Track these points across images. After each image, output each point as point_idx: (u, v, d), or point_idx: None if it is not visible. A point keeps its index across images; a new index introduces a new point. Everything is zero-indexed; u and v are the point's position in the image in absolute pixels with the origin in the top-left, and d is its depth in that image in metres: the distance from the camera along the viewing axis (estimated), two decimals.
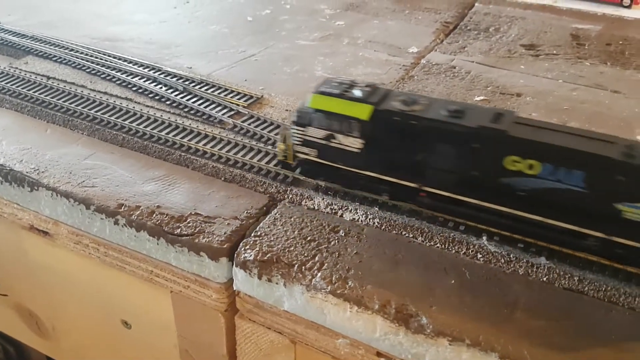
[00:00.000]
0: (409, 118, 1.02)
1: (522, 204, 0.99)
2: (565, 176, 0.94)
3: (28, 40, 1.82)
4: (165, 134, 1.34)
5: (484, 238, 1.05)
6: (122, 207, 1.16)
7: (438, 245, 1.06)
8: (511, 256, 1.02)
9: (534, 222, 0.99)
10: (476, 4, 2.27)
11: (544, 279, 0.99)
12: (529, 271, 1.00)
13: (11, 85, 1.55)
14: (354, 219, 1.14)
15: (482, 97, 1.57)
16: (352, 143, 1.08)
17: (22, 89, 1.54)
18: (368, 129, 1.06)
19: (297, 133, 1.13)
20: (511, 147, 0.96)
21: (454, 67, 1.75)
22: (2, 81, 1.58)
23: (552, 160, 0.94)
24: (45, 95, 1.50)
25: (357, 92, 1.08)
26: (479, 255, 1.03)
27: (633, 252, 0.95)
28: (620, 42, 1.95)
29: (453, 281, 0.99)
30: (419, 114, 1.02)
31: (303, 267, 1.03)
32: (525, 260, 1.01)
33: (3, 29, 1.91)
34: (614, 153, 0.91)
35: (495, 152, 0.97)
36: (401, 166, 1.08)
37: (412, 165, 1.06)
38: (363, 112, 1.05)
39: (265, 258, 1.05)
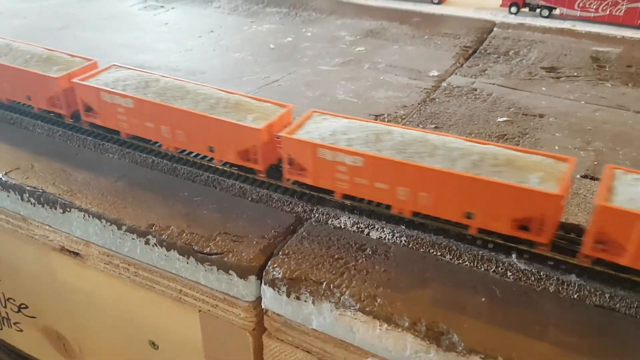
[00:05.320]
0: None
1: None
2: None
3: None
4: (193, 156, 1.37)
5: (514, 256, 1.04)
6: (153, 227, 1.19)
7: (467, 263, 1.06)
8: (541, 274, 1.02)
9: None
10: (495, 29, 2.29)
11: (575, 296, 0.99)
12: (560, 288, 1.00)
13: (42, 111, 1.60)
14: (381, 237, 1.14)
15: (505, 118, 1.58)
16: None
17: (54, 115, 1.58)
18: None
19: None
20: None
21: (475, 90, 1.76)
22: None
23: None
24: (76, 121, 1.54)
25: None
26: (509, 273, 1.03)
27: None
28: None
29: (483, 299, 0.98)
30: None
31: (331, 285, 1.03)
32: (555, 278, 1.01)
33: None
34: None
35: None
36: None
37: None
38: None
39: (294, 276, 1.05)
